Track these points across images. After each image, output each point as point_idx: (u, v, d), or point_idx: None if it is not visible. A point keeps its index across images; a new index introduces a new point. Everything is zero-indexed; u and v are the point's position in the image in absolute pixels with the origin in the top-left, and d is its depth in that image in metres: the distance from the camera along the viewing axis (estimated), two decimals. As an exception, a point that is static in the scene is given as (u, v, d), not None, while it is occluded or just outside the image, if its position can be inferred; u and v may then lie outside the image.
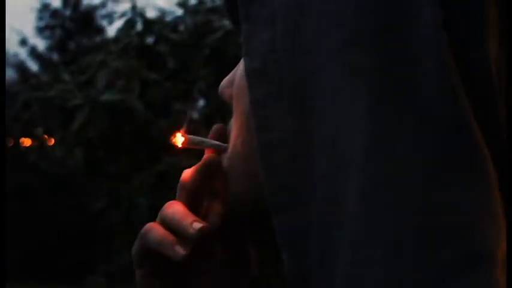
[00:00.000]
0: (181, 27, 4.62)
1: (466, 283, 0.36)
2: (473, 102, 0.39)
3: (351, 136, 0.40)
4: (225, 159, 0.53)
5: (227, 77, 0.56)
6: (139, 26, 4.65)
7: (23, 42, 10.95)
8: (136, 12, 4.63)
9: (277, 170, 0.44)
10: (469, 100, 0.39)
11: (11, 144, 6.71)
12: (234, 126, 0.52)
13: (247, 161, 0.50)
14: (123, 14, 4.70)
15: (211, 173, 0.53)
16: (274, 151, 0.44)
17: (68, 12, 10.77)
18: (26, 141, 6.09)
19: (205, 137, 0.55)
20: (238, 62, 0.53)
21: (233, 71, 0.55)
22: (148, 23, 4.60)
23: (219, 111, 3.77)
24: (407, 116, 0.39)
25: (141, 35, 4.61)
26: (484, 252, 0.37)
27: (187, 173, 0.54)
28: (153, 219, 0.53)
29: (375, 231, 0.39)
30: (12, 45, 14.70)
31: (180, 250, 0.50)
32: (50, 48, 10.90)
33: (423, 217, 0.38)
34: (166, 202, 0.53)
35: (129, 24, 4.64)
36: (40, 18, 10.94)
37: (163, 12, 4.95)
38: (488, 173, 0.37)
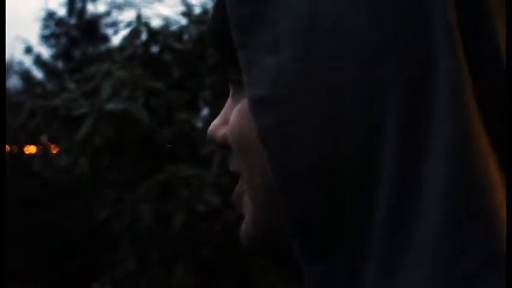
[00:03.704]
0: (186, 37, 4.63)
1: (492, 283, 0.37)
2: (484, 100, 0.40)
3: (382, 152, 0.40)
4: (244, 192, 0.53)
5: (215, 120, 0.54)
6: (144, 36, 4.66)
7: (28, 50, 10.96)
8: (141, 21, 4.65)
9: (296, 197, 0.43)
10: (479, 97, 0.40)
11: (15, 152, 6.71)
12: (245, 163, 0.50)
13: (264, 192, 0.49)
14: (128, 24, 4.71)
15: None
16: (291, 178, 0.43)
17: (73, 21, 10.79)
18: (31, 149, 6.10)
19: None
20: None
21: (222, 112, 0.54)
22: (153, 33, 4.61)
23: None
24: (433, 129, 0.39)
25: (146, 44, 4.63)
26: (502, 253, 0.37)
27: None
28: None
29: (405, 239, 0.39)
30: (17, 53, 14.72)
31: None
32: (55, 57, 10.91)
33: (456, 215, 0.38)
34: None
35: (134, 33, 4.65)
36: (45, 26, 10.95)
37: (168, 22, 4.97)
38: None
